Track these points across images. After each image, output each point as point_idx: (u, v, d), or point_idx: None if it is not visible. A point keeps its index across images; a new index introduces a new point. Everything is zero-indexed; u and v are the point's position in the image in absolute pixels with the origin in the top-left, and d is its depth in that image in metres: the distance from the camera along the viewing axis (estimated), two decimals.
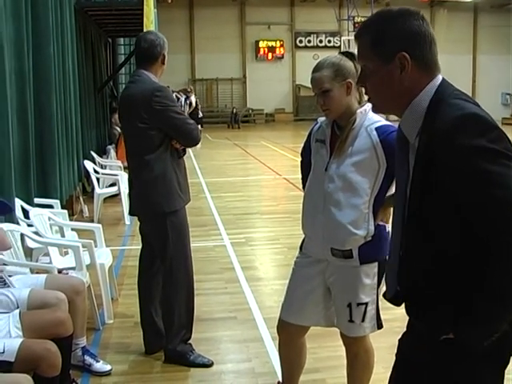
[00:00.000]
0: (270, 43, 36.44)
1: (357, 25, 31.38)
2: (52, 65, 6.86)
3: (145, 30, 8.85)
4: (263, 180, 13.70)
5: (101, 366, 4.10)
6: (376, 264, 2.97)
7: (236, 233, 8.24)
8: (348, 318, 3.05)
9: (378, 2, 32.73)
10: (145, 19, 9.42)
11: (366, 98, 2.91)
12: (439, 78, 1.86)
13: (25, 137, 5.89)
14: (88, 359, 4.08)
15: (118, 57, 16.48)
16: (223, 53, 34.95)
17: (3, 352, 2.96)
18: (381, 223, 2.96)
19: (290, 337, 3.31)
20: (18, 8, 5.73)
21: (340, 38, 34.71)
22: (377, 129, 2.88)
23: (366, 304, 3.01)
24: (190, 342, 4.29)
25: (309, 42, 36.77)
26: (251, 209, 10.24)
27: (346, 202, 2.91)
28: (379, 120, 2.92)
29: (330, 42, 36.47)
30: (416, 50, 1.82)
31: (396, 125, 2.90)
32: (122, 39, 16.68)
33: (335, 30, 35.81)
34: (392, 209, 2.67)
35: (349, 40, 31.75)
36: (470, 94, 1.87)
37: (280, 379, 3.61)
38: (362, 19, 31.01)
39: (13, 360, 2.95)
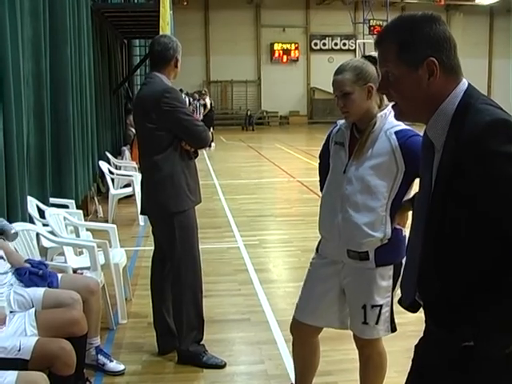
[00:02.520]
0: (285, 46, 36.45)
1: (372, 28, 31.34)
2: (69, 66, 6.90)
3: (160, 33, 8.92)
4: (277, 182, 13.69)
5: (114, 365, 4.13)
6: (392, 267, 2.98)
7: (250, 235, 8.25)
8: (362, 320, 3.05)
9: (393, 6, 32.69)
10: (161, 21, 9.45)
11: (386, 102, 2.93)
12: (465, 82, 1.85)
13: (41, 137, 5.93)
14: (102, 359, 4.10)
15: (134, 58, 16.53)
16: (238, 55, 35.00)
17: (19, 350, 2.99)
18: (398, 227, 2.96)
19: (303, 337, 3.33)
20: (36, 10, 5.77)
21: (355, 41, 34.63)
22: (396, 133, 2.88)
23: (381, 306, 3.01)
24: (202, 342, 4.30)
25: (324, 44, 36.74)
26: (265, 211, 10.24)
27: (363, 204, 2.91)
28: (399, 124, 2.92)
29: (345, 45, 36.41)
30: (443, 55, 1.81)
31: (413, 129, 2.95)
32: (137, 41, 16.74)
33: (350, 33, 35.78)
34: (410, 213, 2.68)
35: (364, 43, 31.66)
36: None
37: (293, 381, 3.62)
38: (378, 22, 31.00)
39: (28, 358, 2.97)
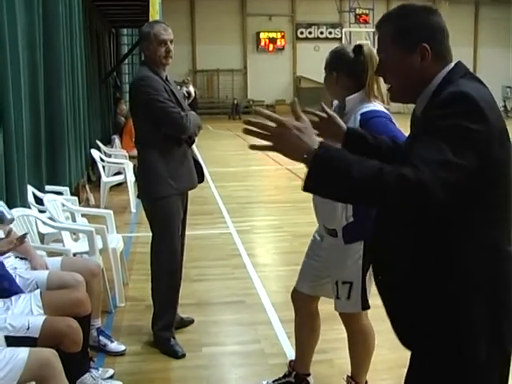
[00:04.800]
0: (271, 34, 36.37)
1: (358, 16, 31.40)
2: (62, 55, 6.94)
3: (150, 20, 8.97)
4: (266, 170, 13.80)
5: (115, 346, 4.24)
6: (361, 245, 3.08)
7: (241, 221, 8.37)
8: (336, 295, 3.23)
9: None
10: (151, 9, 9.51)
11: (384, 90, 3.08)
12: (451, 64, 2.00)
13: (36, 126, 5.99)
14: (103, 339, 4.21)
15: (122, 47, 16.55)
16: (224, 44, 34.91)
17: (28, 328, 3.08)
18: None
19: (300, 304, 3.56)
20: (31, 1, 5.81)
21: (341, 29, 34.68)
22: (362, 114, 3.04)
23: (351, 283, 3.16)
24: (173, 328, 4.39)
25: (310, 33, 36.70)
26: (255, 198, 10.38)
27: None
28: (368, 106, 3.06)
29: (330, 33, 36.38)
30: (435, 42, 1.97)
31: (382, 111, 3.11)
32: (125, 30, 16.74)
33: (336, 21, 35.78)
34: None
35: (350, 32, 31.76)
36: None
37: (291, 358, 3.76)
38: (364, 11, 31.06)
39: (37, 336, 3.07)
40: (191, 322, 4.74)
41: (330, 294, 3.36)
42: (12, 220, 3.89)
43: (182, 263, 4.51)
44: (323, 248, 3.32)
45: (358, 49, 3.13)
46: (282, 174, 12.96)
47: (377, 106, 3.11)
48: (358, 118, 3.04)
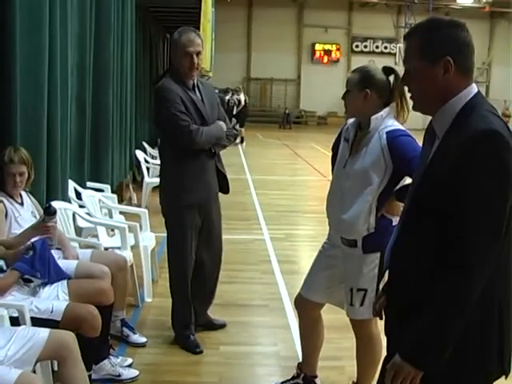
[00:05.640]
0: (327, 46, 36.44)
1: None
2: (111, 58, 7.23)
3: (201, 30, 9.23)
4: (309, 181, 13.92)
5: (137, 337, 4.45)
6: (378, 255, 3.23)
7: (276, 228, 8.51)
8: (349, 302, 3.37)
9: (437, 11, 32.50)
10: (202, 18, 9.75)
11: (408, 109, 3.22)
12: (475, 86, 2.09)
13: (82, 124, 6.27)
14: (126, 330, 4.43)
15: None
16: (279, 53, 35.11)
17: (52, 312, 3.34)
18: (388, 216, 3.22)
19: (303, 310, 3.69)
20: (84, 6, 6.10)
21: (396, 44, 34.53)
22: (387, 132, 3.17)
23: (366, 290, 3.30)
24: (191, 325, 4.54)
25: (365, 47, 36.65)
26: (294, 207, 10.49)
27: (355, 197, 3.23)
28: (393, 125, 3.20)
29: (386, 48, 36.28)
30: (460, 57, 2.04)
31: (405, 130, 3.23)
32: None
33: (392, 36, 35.63)
34: (400, 203, 3.01)
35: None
36: None
37: (299, 361, 3.91)
38: None
39: (59, 319, 3.31)
40: (222, 325, 4.84)
41: (338, 303, 3.50)
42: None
43: (207, 269, 4.63)
44: (336, 257, 3.44)
45: (389, 70, 3.28)
46: (325, 185, 12.95)
47: (398, 125, 3.24)
48: (384, 136, 3.17)
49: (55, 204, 4.64)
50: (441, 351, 1.97)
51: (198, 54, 4.14)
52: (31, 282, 3.53)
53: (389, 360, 2.18)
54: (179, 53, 4.13)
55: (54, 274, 3.59)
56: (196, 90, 4.27)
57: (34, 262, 3.41)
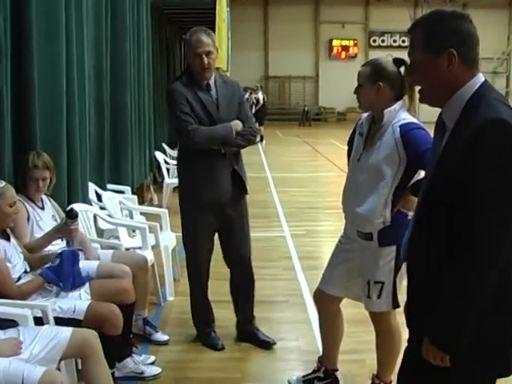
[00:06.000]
0: (344, 42, 36.41)
1: None
2: (128, 61, 7.33)
3: (216, 30, 9.28)
4: (330, 177, 13.90)
5: (159, 335, 4.52)
6: (394, 248, 3.26)
7: (297, 225, 8.56)
8: (367, 294, 3.40)
9: (453, 2, 32.23)
10: (217, 18, 9.79)
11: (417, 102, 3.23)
12: (481, 76, 2.09)
13: (101, 127, 6.36)
14: (148, 329, 4.50)
15: None
16: (297, 51, 35.12)
17: (74, 311, 3.41)
18: (403, 210, 3.24)
19: (324, 304, 3.72)
20: (99, 7, 6.19)
21: None
22: (401, 125, 3.18)
23: (383, 283, 3.33)
24: (211, 323, 4.60)
25: (382, 41, 36.53)
26: (315, 203, 10.51)
27: (369, 190, 3.25)
28: (406, 118, 3.21)
29: (403, 41, 36.01)
30: (463, 48, 2.05)
31: (419, 123, 3.24)
32: None
33: None
34: (415, 198, 3.03)
35: None
36: None
37: (319, 355, 3.94)
38: None
39: (82, 318, 3.38)
40: (267, 344, 4.53)
41: (356, 296, 3.53)
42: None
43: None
44: (353, 251, 3.47)
45: (400, 62, 3.29)
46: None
47: (411, 118, 3.26)
48: (398, 129, 3.19)
49: (76, 206, 4.73)
50: (457, 338, 2.01)
51: (209, 53, 4.12)
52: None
53: (409, 350, 2.23)
54: (190, 54, 4.16)
55: (75, 286, 3.63)
56: (212, 89, 4.25)
57: (59, 271, 3.46)
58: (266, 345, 4.47)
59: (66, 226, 3.71)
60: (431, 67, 2.07)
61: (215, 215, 4.35)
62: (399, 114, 3.24)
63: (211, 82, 4.25)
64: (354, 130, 3.53)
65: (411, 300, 2.26)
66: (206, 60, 4.10)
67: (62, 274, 3.46)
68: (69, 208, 4.01)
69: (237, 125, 4.22)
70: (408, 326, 2.29)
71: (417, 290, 2.21)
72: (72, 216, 3.72)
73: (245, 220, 4.50)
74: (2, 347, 2.87)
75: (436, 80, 2.08)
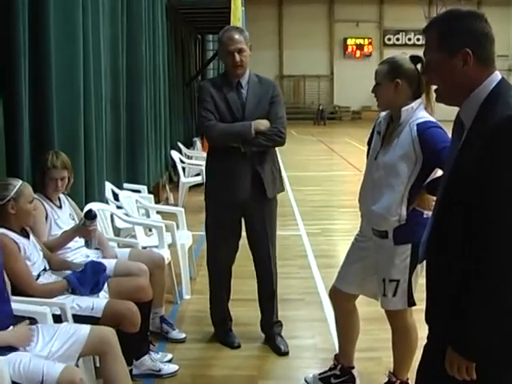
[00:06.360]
0: (358, 41, 36.39)
1: None
2: (144, 60, 7.37)
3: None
4: (344, 176, 13.91)
5: (176, 333, 4.54)
6: (409, 246, 3.26)
7: (312, 224, 8.58)
8: (382, 292, 3.40)
9: (468, 0, 32.07)
10: (232, 17, 9.83)
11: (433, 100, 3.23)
12: (498, 74, 2.08)
13: (117, 126, 6.40)
14: (165, 327, 4.52)
15: (207, 52, 17.04)
16: (311, 50, 35.15)
17: (92, 309, 3.44)
18: (418, 208, 3.23)
19: (338, 302, 3.74)
20: (115, 8, 6.24)
21: None
22: (418, 124, 3.18)
23: (398, 281, 3.32)
24: (229, 321, 4.60)
25: (397, 39, 36.45)
26: (330, 202, 10.53)
27: (385, 188, 3.25)
28: (423, 117, 3.21)
29: (418, 40, 35.95)
30: (478, 48, 2.04)
31: (436, 122, 3.24)
32: (210, 36, 17.24)
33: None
34: (431, 196, 3.04)
35: None
36: None
37: (335, 353, 3.95)
38: None
39: (100, 316, 3.41)
40: (281, 352, 4.43)
41: (371, 294, 3.54)
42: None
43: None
44: (369, 249, 3.48)
45: (417, 59, 3.28)
46: (360, 180, 12.86)
47: (429, 116, 3.25)
48: (415, 128, 3.19)
49: (93, 206, 4.78)
50: (487, 344, 1.99)
51: (240, 51, 4.11)
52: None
53: (428, 347, 2.24)
54: (222, 52, 4.18)
55: (93, 292, 3.67)
56: (243, 87, 4.22)
57: (82, 280, 3.56)
58: (278, 350, 4.40)
59: (85, 227, 3.77)
60: (446, 67, 2.06)
61: (237, 215, 4.35)
62: (417, 113, 3.24)
63: (244, 80, 4.24)
64: (373, 130, 3.54)
65: (429, 300, 2.26)
66: (237, 57, 4.10)
67: (84, 283, 3.55)
68: (87, 209, 4.05)
69: (260, 124, 4.15)
70: (426, 321, 2.30)
71: (435, 289, 2.21)
72: (91, 217, 3.78)
73: (267, 224, 4.41)
74: (14, 335, 2.90)
75: (451, 79, 2.08)
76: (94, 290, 3.62)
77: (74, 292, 3.57)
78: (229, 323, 4.59)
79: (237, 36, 4.13)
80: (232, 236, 4.41)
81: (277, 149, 4.50)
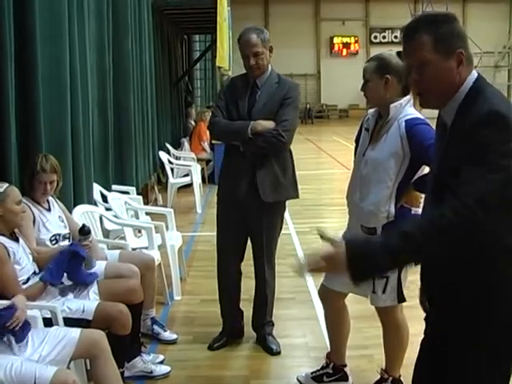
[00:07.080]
0: (345, 39, 36.44)
1: None
2: (130, 61, 7.34)
3: (218, 29, 9.30)
4: (333, 174, 13.95)
5: (168, 334, 4.53)
6: None
7: (302, 222, 8.57)
8: (372, 289, 3.40)
9: None
10: (218, 18, 9.82)
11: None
12: (474, 72, 2.12)
13: (104, 128, 6.36)
14: (156, 328, 4.51)
15: (194, 53, 17.01)
16: (298, 49, 35.13)
17: (83, 311, 3.43)
18: (406, 205, 3.25)
19: (329, 300, 3.74)
20: (101, 10, 6.21)
21: None
22: (406, 121, 3.21)
23: (387, 278, 3.33)
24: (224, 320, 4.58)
25: (384, 37, 36.53)
26: (319, 201, 10.54)
27: (373, 185, 3.26)
28: (412, 113, 3.23)
29: None
30: (466, 48, 2.10)
31: (424, 119, 3.25)
32: (197, 36, 17.20)
33: None
34: (419, 193, 3.05)
35: None
36: None
37: (327, 351, 3.95)
38: None
39: (90, 318, 3.40)
40: (272, 351, 4.42)
41: (361, 291, 3.53)
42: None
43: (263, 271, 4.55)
44: None
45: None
46: (348, 178, 13.00)
47: (417, 113, 3.27)
48: (403, 124, 3.21)
49: (82, 208, 4.77)
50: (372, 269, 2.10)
51: (256, 54, 4.14)
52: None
53: (425, 341, 2.26)
54: (241, 53, 4.23)
55: (78, 283, 3.65)
56: (259, 88, 4.24)
57: (56, 270, 3.48)
58: (270, 351, 4.40)
59: (79, 243, 3.74)
60: (444, 70, 2.09)
61: (238, 214, 4.29)
62: (405, 109, 3.25)
63: (261, 80, 4.25)
64: (361, 127, 3.54)
65: (423, 291, 2.28)
66: (252, 61, 4.13)
67: (57, 272, 3.48)
68: (81, 225, 4.02)
69: (258, 124, 4.10)
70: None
71: (428, 283, 2.22)
72: (84, 233, 3.76)
73: (263, 228, 4.31)
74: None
75: (447, 82, 2.10)
76: (78, 278, 3.59)
77: (63, 294, 3.56)
78: (223, 322, 4.57)
79: (254, 39, 4.14)
80: (237, 235, 4.37)
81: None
